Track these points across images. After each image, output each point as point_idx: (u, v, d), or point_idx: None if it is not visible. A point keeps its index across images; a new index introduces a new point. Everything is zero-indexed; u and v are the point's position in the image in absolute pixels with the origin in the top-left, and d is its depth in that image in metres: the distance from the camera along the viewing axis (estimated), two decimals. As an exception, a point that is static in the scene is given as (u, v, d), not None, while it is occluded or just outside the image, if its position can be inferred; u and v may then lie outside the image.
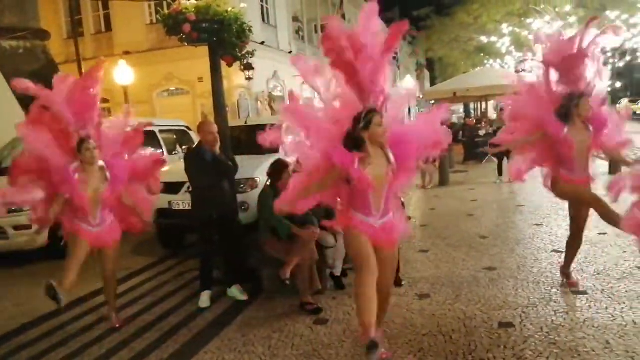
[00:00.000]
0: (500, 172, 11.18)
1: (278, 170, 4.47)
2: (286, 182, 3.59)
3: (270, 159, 6.73)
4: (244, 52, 6.31)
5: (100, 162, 4.00)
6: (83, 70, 12.83)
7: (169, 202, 6.22)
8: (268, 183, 4.83)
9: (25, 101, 10.12)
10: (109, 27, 18.05)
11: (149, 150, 4.77)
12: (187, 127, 9.89)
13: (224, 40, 5.76)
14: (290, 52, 20.00)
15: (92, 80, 4.00)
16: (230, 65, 6.09)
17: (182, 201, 6.11)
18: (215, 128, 4.67)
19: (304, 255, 4.27)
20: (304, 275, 4.28)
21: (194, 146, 5.16)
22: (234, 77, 15.34)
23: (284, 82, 19.89)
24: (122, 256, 6.64)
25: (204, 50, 6.02)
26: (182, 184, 6.19)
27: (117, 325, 4.23)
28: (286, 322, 4.11)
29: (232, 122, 8.26)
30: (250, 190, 6.00)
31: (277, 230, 4.44)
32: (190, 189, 6.07)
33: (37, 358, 3.80)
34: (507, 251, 5.69)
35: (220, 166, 4.63)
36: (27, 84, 3.78)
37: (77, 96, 3.86)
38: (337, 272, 4.79)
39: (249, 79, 15.30)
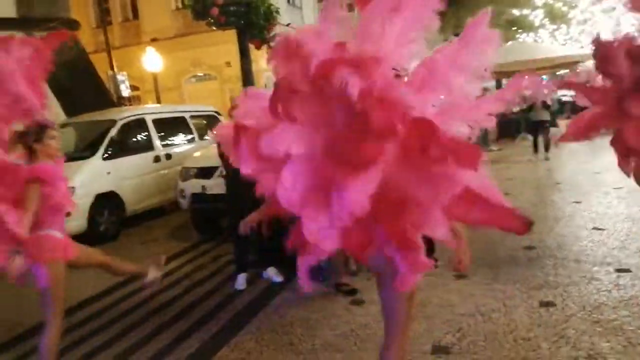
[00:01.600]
0: (536, 149, 10.90)
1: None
2: None
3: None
4: (271, 35, 6.30)
5: None
6: (113, 59, 13.07)
7: (203, 187, 6.30)
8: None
9: (60, 90, 10.38)
10: (136, 14, 18.24)
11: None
12: (216, 112, 9.95)
13: (252, 23, 5.76)
14: (316, 33, 19.83)
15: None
16: (258, 48, 6.10)
17: (216, 185, 6.17)
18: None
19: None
20: (339, 257, 4.27)
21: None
22: (260, 60, 15.32)
23: (310, 64, 19.79)
24: (157, 241, 6.88)
25: (230, 35, 6.03)
26: (214, 168, 6.26)
27: None
28: (323, 303, 4.13)
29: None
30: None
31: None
32: (223, 173, 6.14)
33: (83, 341, 3.91)
34: (546, 230, 5.56)
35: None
36: None
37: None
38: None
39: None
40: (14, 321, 4.37)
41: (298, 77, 1.84)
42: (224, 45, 15.66)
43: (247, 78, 5.71)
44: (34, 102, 2.90)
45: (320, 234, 1.80)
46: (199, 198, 6.40)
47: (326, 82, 1.76)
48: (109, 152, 7.27)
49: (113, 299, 4.78)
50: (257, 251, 4.94)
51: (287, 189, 1.81)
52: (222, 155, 4.85)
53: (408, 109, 1.74)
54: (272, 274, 4.78)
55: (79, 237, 6.54)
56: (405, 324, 2.22)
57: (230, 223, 5.45)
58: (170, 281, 5.13)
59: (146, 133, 8.10)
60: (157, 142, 8.14)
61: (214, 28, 5.89)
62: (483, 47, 1.93)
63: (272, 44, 6.45)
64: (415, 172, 1.79)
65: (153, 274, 3.67)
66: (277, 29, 6.55)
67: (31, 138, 2.90)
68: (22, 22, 12.08)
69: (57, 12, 13.28)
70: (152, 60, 14.45)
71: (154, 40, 15.92)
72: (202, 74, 17.93)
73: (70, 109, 9.60)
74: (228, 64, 16.99)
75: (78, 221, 6.20)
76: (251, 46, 5.99)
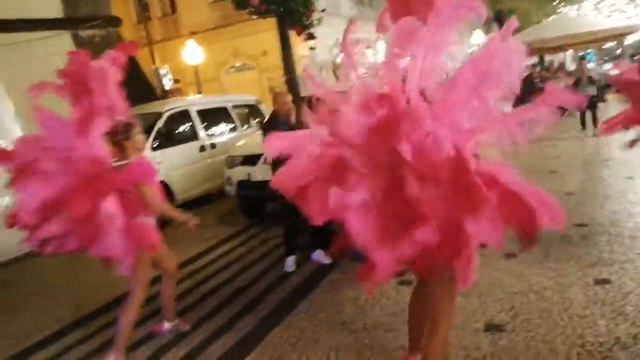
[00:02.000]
0: (583, 126, 10.55)
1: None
2: None
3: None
4: (310, 21, 6.33)
5: None
6: (154, 53, 13.40)
7: (248, 174, 6.43)
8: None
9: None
10: (174, 9, 18.58)
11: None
12: (257, 102, 10.09)
13: (291, 10, 5.80)
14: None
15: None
16: (299, 34, 6.15)
17: (260, 172, 6.30)
18: (289, 98, 4.76)
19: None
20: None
21: (269, 117, 5.26)
22: (296, 48, 15.38)
23: (347, 49, 19.65)
24: (206, 227, 7.08)
25: (267, 24, 6.10)
26: (258, 156, 6.38)
27: None
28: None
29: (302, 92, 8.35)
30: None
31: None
32: (268, 160, 6.25)
33: (143, 321, 4.08)
34: (597, 207, 5.42)
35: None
36: None
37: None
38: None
39: (312, 48, 15.25)
40: (77, 303, 4.65)
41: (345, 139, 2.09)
42: (261, 34, 15.78)
43: (288, 65, 5.75)
44: (119, 105, 3.16)
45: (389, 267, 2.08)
46: (244, 185, 6.54)
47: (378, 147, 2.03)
48: (157, 143, 7.51)
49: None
50: (306, 234, 5.03)
51: (358, 234, 2.09)
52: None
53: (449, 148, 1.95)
54: (321, 256, 4.87)
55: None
56: (451, 313, 2.45)
57: (278, 207, 5.57)
58: (221, 265, 5.30)
59: (190, 124, 8.31)
60: (201, 132, 8.34)
61: (255, 17, 5.96)
62: (510, 59, 2.02)
63: (311, 30, 6.55)
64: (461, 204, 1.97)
65: (175, 326, 3.78)
66: (315, 15, 6.56)
67: (121, 136, 3.18)
68: (69, 22, 12.55)
69: (100, 10, 13.71)
70: (192, 53, 14.71)
71: (193, 33, 16.18)
72: (240, 64, 18.13)
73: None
74: (265, 53, 17.11)
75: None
76: (290, 33, 6.02)
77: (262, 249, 5.69)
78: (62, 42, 12.03)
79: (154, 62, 13.52)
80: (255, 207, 7.00)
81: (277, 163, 4.86)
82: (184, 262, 5.47)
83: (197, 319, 3.99)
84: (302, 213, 2.50)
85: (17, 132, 4.81)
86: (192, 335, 3.72)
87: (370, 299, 3.91)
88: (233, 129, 9.04)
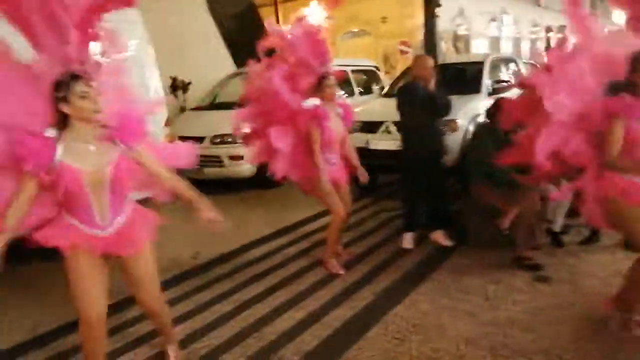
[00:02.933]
0: None
1: (500, 109, 4.03)
2: None
3: (472, 101, 6.26)
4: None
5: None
6: (279, 13, 13.46)
7: (367, 141, 6.19)
8: (485, 123, 4.45)
9: (230, 41, 10.90)
10: (299, -31, 18.51)
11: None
12: (376, 68, 9.76)
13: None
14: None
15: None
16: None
17: (380, 141, 6.05)
18: (431, 63, 4.39)
19: (525, 205, 3.85)
20: (525, 228, 3.87)
21: (405, 82, 4.94)
22: (418, 15, 14.66)
23: (469, 21, 18.51)
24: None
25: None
26: (379, 123, 6.13)
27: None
28: (501, 275, 3.81)
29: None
30: (451, 133, 5.65)
31: (493, 176, 4.06)
32: (389, 129, 5.98)
33: (259, 277, 4.09)
34: None
35: (435, 103, 4.34)
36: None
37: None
38: (557, 227, 4.29)
39: (436, 16, 14.45)
40: (196, 250, 4.77)
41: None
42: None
43: (430, 31, 5.34)
44: (316, 62, 3.94)
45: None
46: (361, 152, 6.28)
47: None
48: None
49: (288, 239, 5.03)
50: (427, 212, 4.71)
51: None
52: (400, 107, 4.60)
53: None
54: (441, 237, 4.54)
55: (247, 181, 6.99)
56: None
57: (393, 180, 5.31)
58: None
59: (311, 85, 8.18)
60: (320, 95, 8.20)
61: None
62: None
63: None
64: None
65: (335, 267, 4.11)
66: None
67: (316, 87, 3.91)
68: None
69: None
70: (314, 15, 14.57)
71: (315, -6, 16.02)
72: (356, 30, 17.77)
73: (240, 59, 10.10)
74: (384, 19, 16.58)
75: (249, 165, 6.51)
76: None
77: (375, 221, 5.47)
78: (194, -4, 12.46)
79: (277, 22, 13.57)
80: (370, 176, 6.76)
81: (409, 130, 4.56)
82: (293, 224, 5.44)
83: (310, 285, 3.89)
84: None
85: (156, 76, 4.95)
86: (307, 301, 3.61)
87: (500, 290, 3.56)
88: (351, 94, 8.81)
